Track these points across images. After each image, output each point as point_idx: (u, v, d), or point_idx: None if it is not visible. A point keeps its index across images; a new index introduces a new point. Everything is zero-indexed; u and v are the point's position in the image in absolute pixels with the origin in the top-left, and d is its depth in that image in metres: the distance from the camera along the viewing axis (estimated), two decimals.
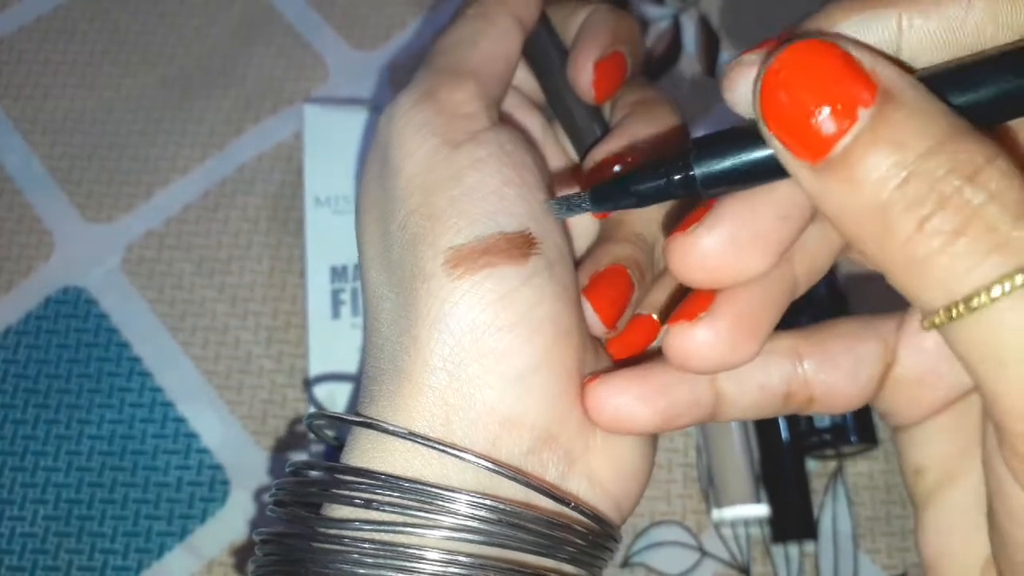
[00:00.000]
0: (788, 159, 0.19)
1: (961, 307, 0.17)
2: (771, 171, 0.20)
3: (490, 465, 0.24)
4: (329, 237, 0.48)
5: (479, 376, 0.25)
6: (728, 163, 0.21)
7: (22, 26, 0.57)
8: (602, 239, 0.29)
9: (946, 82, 0.19)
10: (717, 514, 0.46)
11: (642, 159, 0.29)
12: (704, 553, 0.46)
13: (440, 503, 0.24)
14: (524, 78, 0.33)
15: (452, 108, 0.27)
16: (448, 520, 0.24)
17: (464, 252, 0.25)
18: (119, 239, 0.52)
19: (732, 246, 0.22)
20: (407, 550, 0.24)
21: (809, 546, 0.46)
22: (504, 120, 0.29)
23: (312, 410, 0.40)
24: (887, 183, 0.18)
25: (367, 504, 0.24)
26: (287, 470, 0.27)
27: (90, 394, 0.48)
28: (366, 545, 0.24)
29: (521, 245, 0.26)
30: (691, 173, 0.21)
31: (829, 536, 0.46)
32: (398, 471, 0.25)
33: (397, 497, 0.24)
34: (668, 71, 0.56)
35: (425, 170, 0.26)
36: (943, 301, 0.18)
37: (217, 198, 0.53)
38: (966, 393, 0.24)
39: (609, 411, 0.25)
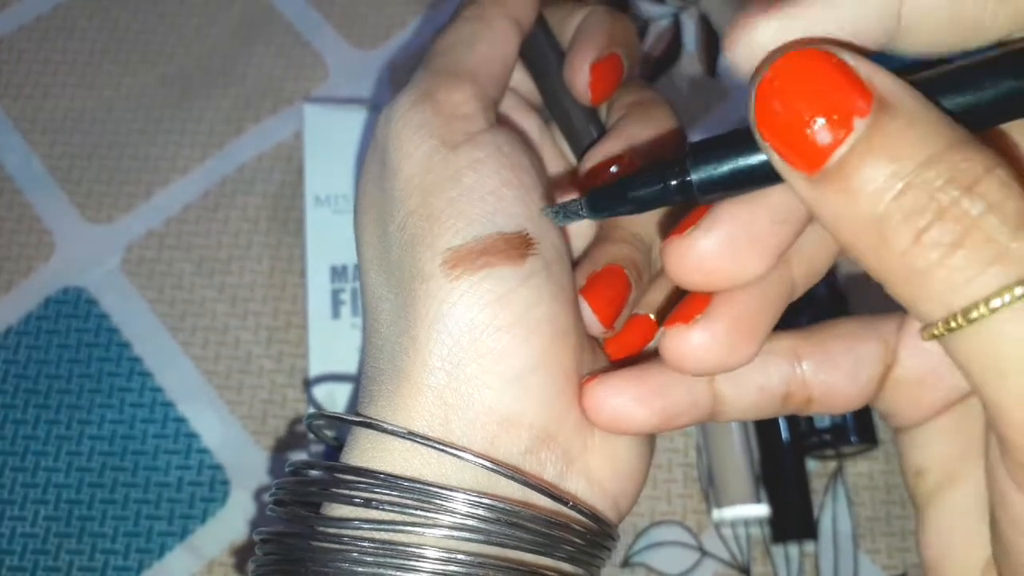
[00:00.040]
0: (784, 168, 0.19)
1: (960, 319, 0.17)
2: (768, 177, 0.20)
3: (488, 464, 0.24)
4: (329, 237, 0.48)
5: (477, 376, 0.25)
6: (725, 169, 0.21)
7: (22, 25, 0.57)
8: (599, 239, 0.29)
9: (942, 85, 0.19)
10: (717, 514, 0.46)
11: (638, 161, 0.29)
12: (704, 553, 0.46)
13: (439, 502, 0.24)
14: (521, 80, 0.33)
15: (450, 109, 0.27)
16: (447, 519, 0.24)
17: (462, 253, 0.25)
18: (119, 239, 0.52)
19: (729, 249, 0.22)
20: (406, 549, 0.24)
21: (809, 546, 0.46)
22: (501, 121, 0.29)
23: (312, 410, 0.40)
24: (884, 194, 0.18)
25: (367, 503, 0.24)
26: (287, 470, 0.27)
27: (90, 394, 0.48)
28: (365, 544, 0.24)
29: (519, 246, 0.26)
30: (688, 179, 0.21)
31: (829, 536, 0.46)
32: (397, 470, 0.25)
33: (396, 496, 0.24)
34: (668, 70, 0.56)
35: (423, 171, 0.26)
36: (942, 313, 0.18)
37: (217, 198, 0.53)
38: (967, 395, 0.24)
39: (607, 411, 0.25)
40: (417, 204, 0.26)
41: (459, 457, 0.25)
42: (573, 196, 0.25)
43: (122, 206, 0.53)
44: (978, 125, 0.19)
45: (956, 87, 0.19)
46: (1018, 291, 0.17)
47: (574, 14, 0.32)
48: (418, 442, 0.25)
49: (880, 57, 0.20)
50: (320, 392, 0.46)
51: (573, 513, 0.25)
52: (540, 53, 0.32)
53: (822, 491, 0.47)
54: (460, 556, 0.24)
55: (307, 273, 0.48)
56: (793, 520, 0.45)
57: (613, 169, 0.29)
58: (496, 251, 0.25)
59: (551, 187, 0.30)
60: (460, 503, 0.24)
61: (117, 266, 0.51)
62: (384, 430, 0.25)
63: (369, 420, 0.26)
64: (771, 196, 0.21)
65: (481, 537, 0.24)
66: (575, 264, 0.29)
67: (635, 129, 0.30)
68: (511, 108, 0.32)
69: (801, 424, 0.46)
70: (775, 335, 0.24)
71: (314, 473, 0.27)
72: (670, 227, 0.23)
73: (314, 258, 0.48)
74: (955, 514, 0.23)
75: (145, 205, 0.53)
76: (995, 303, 0.17)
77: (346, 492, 0.25)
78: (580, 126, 0.32)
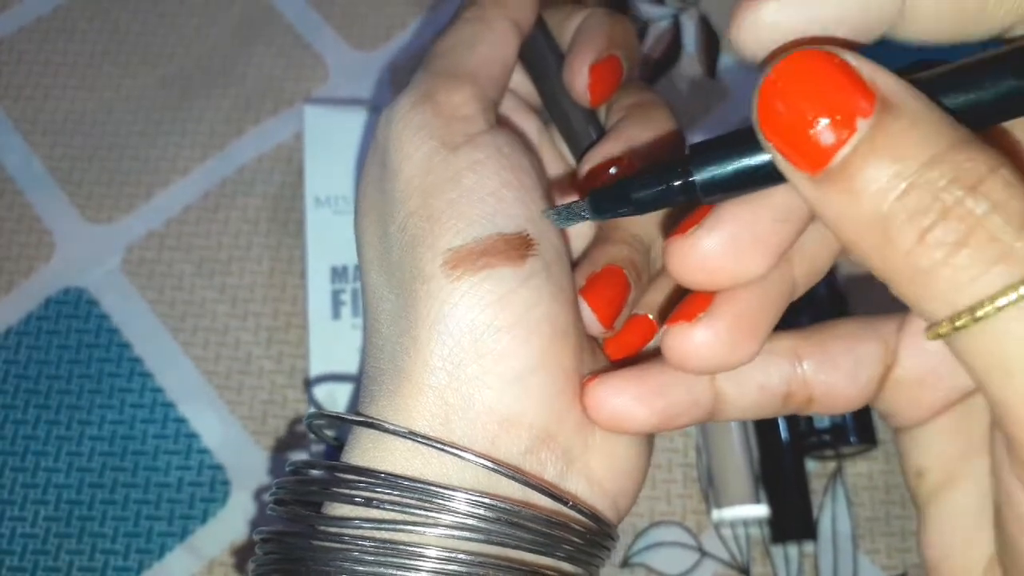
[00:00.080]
0: (787, 168, 0.19)
1: (966, 318, 0.17)
2: (771, 177, 0.20)
3: (489, 464, 0.24)
4: (329, 237, 0.48)
5: (478, 376, 0.25)
6: (728, 169, 0.21)
7: (22, 27, 0.58)
8: (598, 240, 0.29)
9: (944, 85, 0.19)
10: (717, 514, 0.46)
11: (638, 163, 0.29)
12: (704, 553, 0.46)
13: (440, 501, 0.24)
14: (520, 81, 0.33)
15: (450, 110, 0.27)
16: (447, 518, 0.24)
17: (463, 253, 0.25)
18: (119, 239, 0.52)
19: (732, 248, 0.22)
20: (407, 548, 0.24)
21: (808, 546, 0.46)
22: (501, 123, 0.29)
23: (312, 410, 0.40)
24: (887, 194, 0.18)
25: (368, 503, 0.25)
26: (287, 469, 0.27)
27: (91, 395, 0.48)
28: (365, 543, 0.24)
29: (519, 246, 0.26)
30: (691, 180, 0.21)
31: (828, 537, 0.46)
32: (399, 470, 0.25)
33: (397, 496, 0.24)
34: (668, 71, 0.56)
35: (423, 172, 0.27)
36: (947, 312, 0.18)
37: (217, 199, 0.53)
38: (967, 395, 0.24)
39: (608, 411, 0.25)
40: (417, 205, 0.26)
41: (459, 456, 0.25)
42: (574, 198, 0.26)
43: (122, 207, 0.53)
44: (980, 124, 0.19)
45: (957, 86, 0.19)
46: (1023, 290, 0.17)
47: (573, 16, 0.32)
48: (419, 442, 0.25)
49: (876, 53, 0.20)
50: (320, 392, 0.46)
51: (573, 513, 0.26)
52: (539, 55, 0.32)
53: (821, 491, 0.47)
54: (460, 555, 0.24)
55: (307, 274, 0.48)
56: (792, 520, 0.45)
57: (612, 171, 0.29)
58: (496, 252, 0.25)
59: (551, 189, 0.30)
60: (460, 503, 0.24)
61: (117, 267, 0.51)
62: (385, 430, 0.25)
63: (370, 420, 0.26)
64: (773, 196, 0.21)
65: (481, 536, 0.24)
66: (574, 265, 0.29)
67: (635, 131, 0.30)
68: (510, 109, 0.32)
69: (800, 424, 0.46)
70: (775, 335, 0.24)
71: (315, 472, 0.27)
72: (671, 227, 0.23)
73: (314, 259, 0.48)
74: (956, 514, 0.24)
75: (145, 206, 0.53)
76: (1001, 302, 0.17)
77: (347, 492, 0.25)
78: (579, 128, 0.32)
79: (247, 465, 0.47)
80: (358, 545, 0.24)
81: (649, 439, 0.28)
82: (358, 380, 0.46)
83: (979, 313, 0.17)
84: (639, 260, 0.28)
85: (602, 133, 0.32)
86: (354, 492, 0.25)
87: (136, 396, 0.48)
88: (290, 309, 0.50)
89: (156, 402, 0.48)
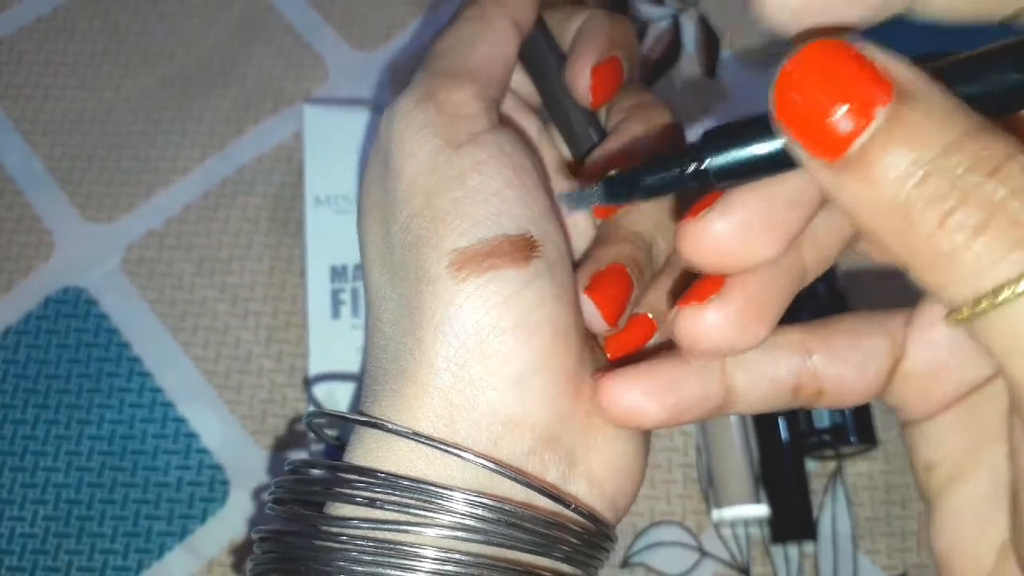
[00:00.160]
0: (804, 157, 0.19)
1: (987, 301, 0.17)
2: (784, 163, 0.20)
3: (490, 464, 0.24)
4: (329, 237, 0.48)
5: (482, 378, 0.25)
6: (741, 155, 0.21)
7: (22, 26, 0.58)
8: (600, 240, 0.29)
9: (960, 73, 0.19)
10: (717, 514, 0.46)
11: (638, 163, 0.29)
12: (704, 553, 0.46)
13: (439, 502, 0.24)
14: (520, 81, 0.33)
15: (452, 109, 0.27)
16: (445, 518, 0.24)
17: (468, 254, 0.25)
18: (119, 239, 0.52)
19: (743, 231, 0.22)
20: (405, 548, 0.24)
21: (808, 546, 0.46)
22: (503, 122, 0.30)
23: (312, 409, 0.40)
24: (906, 181, 0.18)
25: (369, 503, 0.25)
26: (286, 468, 0.27)
27: (90, 394, 0.48)
28: (364, 543, 0.24)
29: (523, 248, 0.26)
30: (704, 166, 0.22)
31: (828, 536, 0.46)
32: (402, 470, 0.25)
33: (397, 495, 0.24)
34: (668, 72, 0.56)
35: (427, 171, 0.27)
36: (969, 295, 0.18)
37: (217, 198, 0.53)
38: (976, 387, 0.24)
39: (623, 406, 0.25)
40: (421, 206, 0.26)
41: (461, 457, 0.25)
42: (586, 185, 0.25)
43: (122, 206, 0.53)
44: (996, 112, 0.19)
45: (973, 75, 0.19)
46: None
47: (574, 17, 0.32)
48: (421, 442, 0.25)
49: (890, 40, 0.20)
50: (320, 392, 0.46)
51: (572, 514, 0.25)
52: (540, 55, 0.32)
53: (821, 491, 0.47)
54: (458, 556, 0.24)
55: (307, 273, 0.48)
56: (792, 520, 0.45)
57: (612, 173, 0.29)
58: (501, 253, 0.25)
59: (550, 189, 0.30)
60: (458, 503, 0.24)
61: (117, 266, 0.51)
62: (388, 430, 0.25)
63: (374, 420, 0.26)
64: (784, 181, 0.22)
65: (480, 537, 0.24)
66: (575, 265, 0.29)
67: (635, 132, 0.30)
68: (510, 109, 0.32)
69: (800, 424, 0.46)
70: (785, 328, 0.24)
71: (315, 472, 0.27)
72: (682, 213, 0.23)
73: (314, 258, 0.48)
74: (967, 504, 0.24)
75: (145, 205, 0.53)
76: (1022, 285, 0.17)
77: (348, 491, 0.25)
78: (580, 128, 0.32)
79: (246, 465, 0.47)
80: (356, 545, 0.24)
81: (647, 438, 0.28)
82: (358, 379, 0.46)
83: (1000, 297, 0.17)
84: (641, 258, 0.28)
85: (602, 133, 0.32)
86: (355, 492, 0.25)
87: (135, 396, 0.48)
88: (290, 308, 0.50)
89: (155, 402, 0.48)
